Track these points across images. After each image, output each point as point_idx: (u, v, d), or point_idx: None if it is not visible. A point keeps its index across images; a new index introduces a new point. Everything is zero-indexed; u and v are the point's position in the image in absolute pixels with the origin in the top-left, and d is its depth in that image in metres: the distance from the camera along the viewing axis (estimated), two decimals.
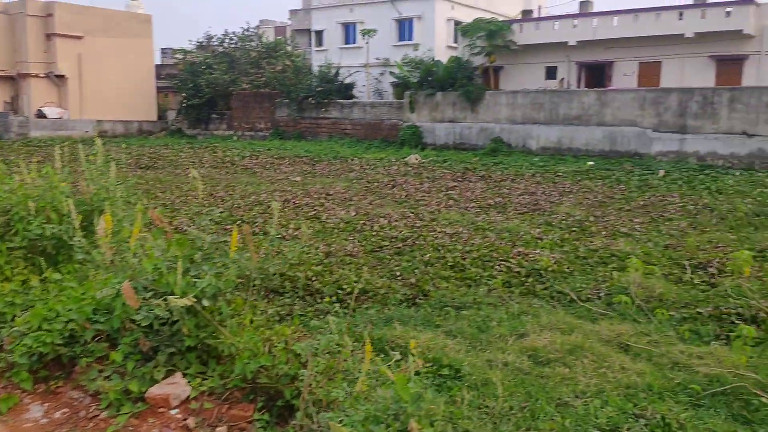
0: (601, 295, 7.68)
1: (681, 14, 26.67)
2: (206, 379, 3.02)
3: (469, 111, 27.71)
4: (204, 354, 3.17)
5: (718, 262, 8.90)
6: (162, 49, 52.78)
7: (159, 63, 47.90)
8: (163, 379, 2.96)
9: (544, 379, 5.23)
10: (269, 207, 13.31)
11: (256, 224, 11.56)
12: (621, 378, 5.26)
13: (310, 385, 2.83)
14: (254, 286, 3.60)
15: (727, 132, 21.38)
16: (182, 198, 14.76)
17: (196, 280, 3.08)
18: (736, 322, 6.46)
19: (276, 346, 3.10)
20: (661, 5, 27.92)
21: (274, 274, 3.50)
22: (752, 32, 25.24)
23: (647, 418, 4.59)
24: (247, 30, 39.10)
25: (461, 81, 28.09)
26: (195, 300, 2.90)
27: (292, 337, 3.39)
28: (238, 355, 3.01)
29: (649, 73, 28.14)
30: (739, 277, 7.79)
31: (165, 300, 2.85)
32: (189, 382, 3.02)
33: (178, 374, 3.01)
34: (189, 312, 3.01)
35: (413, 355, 2.78)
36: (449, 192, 16.48)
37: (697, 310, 6.99)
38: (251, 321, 4.08)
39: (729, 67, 26.43)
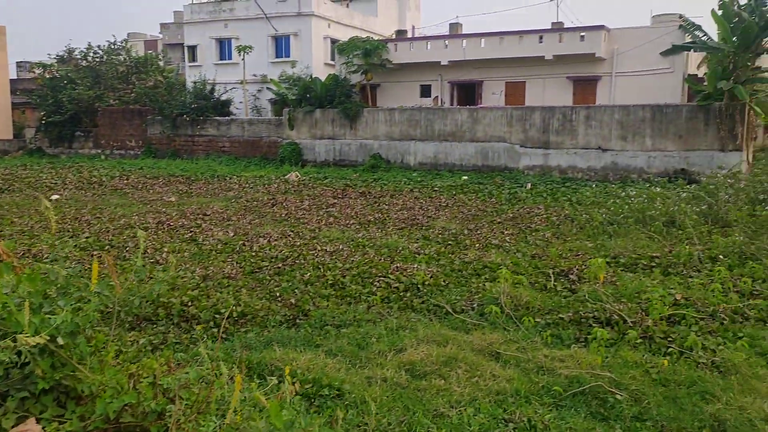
0: (474, 306, 8.01)
1: (541, 38, 28.65)
2: (64, 422, 2.83)
3: (348, 128, 28.04)
4: (62, 395, 2.97)
5: (577, 269, 9.59)
6: (17, 62, 48.92)
7: (14, 77, 44.34)
8: (14, 426, 2.74)
9: (420, 392, 5.38)
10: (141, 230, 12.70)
11: (126, 249, 10.99)
12: (492, 385, 5.53)
13: (179, 420, 2.74)
14: (120, 318, 3.43)
15: (584, 147, 23.15)
16: (42, 223, 13.71)
17: (50, 316, 2.89)
18: (593, 325, 6.99)
19: (142, 382, 2.97)
20: (524, 29, 29.84)
21: (140, 305, 3.34)
22: (603, 55, 27.61)
23: (515, 421, 4.86)
24: (114, 43, 37.19)
25: (339, 98, 28.40)
26: (48, 338, 2.72)
27: (160, 369, 3.26)
28: (99, 394, 2.86)
29: (515, 92, 29.98)
30: (595, 282, 8.46)
31: (14, 340, 2.65)
32: (44, 427, 2.82)
33: (32, 420, 2.80)
34: (43, 352, 2.81)
35: (288, 380, 2.77)
36: (329, 209, 16.55)
37: (560, 315, 7.48)
38: (118, 355, 3.87)
39: (585, 87, 28.74)
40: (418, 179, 23.32)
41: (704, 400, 5.27)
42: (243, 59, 32.08)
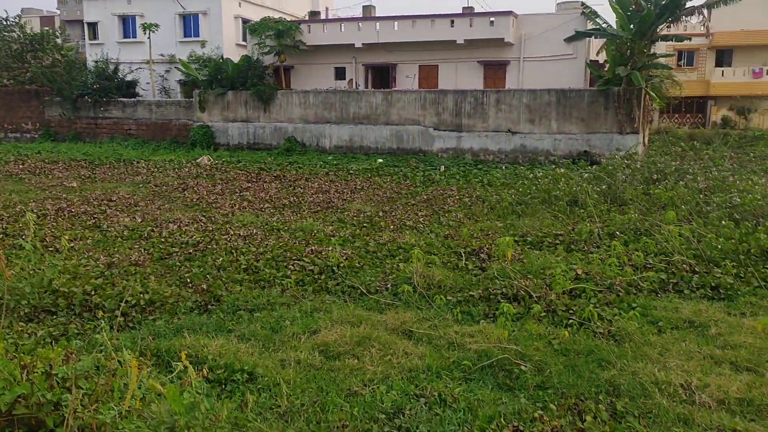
0: (388, 286, 8.12)
1: (452, 22, 29.08)
2: None
3: (262, 111, 27.51)
4: None
5: (487, 248, 9.90)
6: None
7: None
8: None
9: (334, 372, 5.42)
10: (37, 217, 12.01)
11: (22, 237, 10.36)
12: (404, 362, 5.65)
13: (75, 410, 2.64)
14: (14, 309, 3.24)
15: (495, 130, 23.83)
16: None
17: None
18: (501, 301, 7.26)
19: (35, 372, 2.84)
20: (436, 13, 30.18)
21: (32, 293, 3.17)
22: (512, 40, 28.39)
23: (427, 396, 4.99)
24: (6, 19, 34.61)
25: (252, 80, 27.78)
26: None
27: (57, 360, 3.12)
28: None
29: (429, 75, 30.36)
30: (503, 260, 8.77)
31: None
32: None
33: None
34: None
35: (187, 365, 2.72)
36: (243, 193, 16.24)
37: (470, 293, 7.72)
38: (16, 347, 3.67)
39: (495, 71, 29.49)
40: (334, 162, 23.26)
41: (601, 367, 5.60)
42: (149, 38, 30.69)
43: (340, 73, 31.94)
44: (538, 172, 17.82)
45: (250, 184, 17.90)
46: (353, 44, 30.40)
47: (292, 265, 9.00)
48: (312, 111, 26.70)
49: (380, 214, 13.44)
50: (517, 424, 4.53)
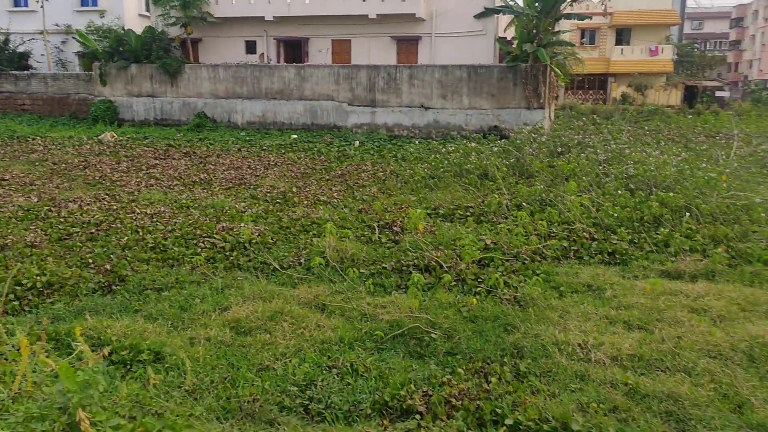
0: (301, 261, 8.09)
1: None
2: None
3: (169, 85, 26.41)
4: None
5: (400, 221, 10.03)
6: None
7: None
8: None
9: (246, 348, 5.37)
10: None
11: None
12: (317, 335, 5.67)
13: None
14: None
15: (408, 105, 24.00)
16: None
17: None
18: (413, 272, 7.39)
19: None
20: None
21: None
22: (423, 16, 28.56)
23: (339, 367, 5.05)
24: None
25: (157, 53, 26.56)
26: None
27: None
28: None
29: (342, 50, 30.10)
30: (415, 233, 8.93)
31: None
32: None
33: None
34: None
35: (82, 342, 2.61)
36: (150, 171, 15.62)
37: (383, 265, 7.82)
38: None
39: (407, 46, 29.62)
40: (247, 138, 22.75)
41: (506, 331, 5.84)
42: (42, 6, 28.67)
43: (250, 47, 31.10)
44: (451, 146, 18.14)
45: (157, 161, 17.23)
46: (263, 17, 29.63)
47: (203, 242, 8.78)
48: (223, 86, 25.90)
49: (294, 189, 13.31)
50: (426, 389, 4.66)
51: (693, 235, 8.88)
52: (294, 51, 31.20)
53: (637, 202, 10.16)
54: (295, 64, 27.49)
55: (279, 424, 4.22)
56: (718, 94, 46.00)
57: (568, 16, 24.01)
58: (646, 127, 22.53)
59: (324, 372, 4.97)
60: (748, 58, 75.07)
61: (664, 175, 11.68)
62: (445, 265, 7.60)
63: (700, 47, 69.06)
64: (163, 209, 11.00)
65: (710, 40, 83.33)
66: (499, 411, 4.33)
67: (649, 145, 17.10)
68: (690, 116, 31.33)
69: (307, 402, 4.54)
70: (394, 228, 9.78)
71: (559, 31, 23.85)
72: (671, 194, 10.27)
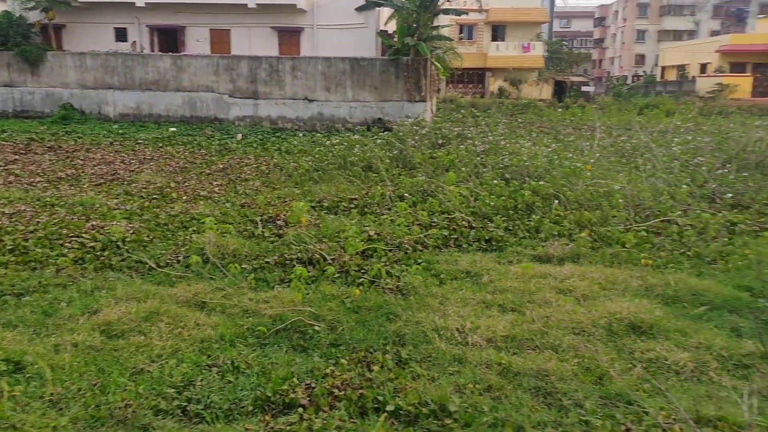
0: (180, 258, 7.77)
1: None
2: None
3: (29, 74, 24.44)
4: None
5: (284, 215, 9.90)
6: None
7: None
8: None
9: (118, 352, 5.09)
10: None
11: None
12: (196, 334, 5.48)
13: None
14: None
15: (292, 97, 23.74)
16: None
17: None
18: (297, 265, 7.33)
19: None
20: None
21: None
22: (304, 7, 28.32)
23: (219, 365, 4.91)
24: None
25: (15, 39, 24.48)
26: None
27: None
28: None
29: (221, 40, 29.20)
30: (299, 226, 8.86)
31: None
32: None
33: None
34: None
35: None
36: (9, 167, 14.38)
37: (266, 260, 7.69)
38: None
39: (289, 38, 29.26)
40: (120, 131, 21.53)
41: (389, 320, 5.94)
42: None
43: (121, 35, 29.40)
44: (335, 139, 18.14)
45: (17, 157, 15.89)
46: (134, 2, 28.11)
47: (70, 242, 8.20)
48: (91, 75, 24.32)
49: (172, 185, 12.77)
50: (309, 382, 4.64)
51: (561, 221, 9.45)
52: (169, 40, 29.86)
53: (512, 191, 10.67)
54: (171, 53, 26.31)
55: (154, 429, 4.04)
56: (584, 89, 49.34)
57: (446, 12, 24.74)
58: (520, 120, 23.73)
59: (203, 371, 4.81)
60: (610, 55, 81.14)
61: (535, 165, 12.35)
62: (328, 258, 7.60)
63: (568, 44, 73.63)
64: (23, 208, 10.16)
65: (577, 38, 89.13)
66: (380, 398, 4.40)
67: (523, 137, 18.01)
68: (559, 110, 33.32)
69: (185, 403, 4.38)
70: (278, 222, 9.65)
71: (438, 26, 24.51)
72: (542, 183, 10.87)
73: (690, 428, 3.86)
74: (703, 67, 51.12)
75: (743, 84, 45.07)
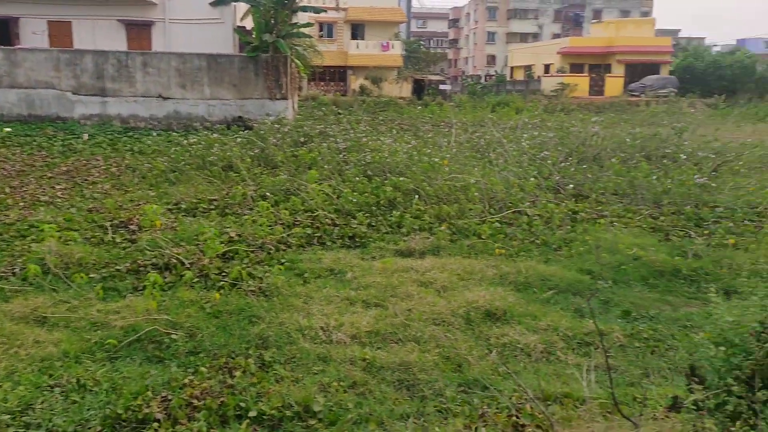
0: (16, 270, 7.08)
1: None
2: None
3: None
4: None
5: (137, 219, 9.33)
6: None
7: None
8: None
9: None
10: None
11: None
12: (35, 353, 5.01)
13: None
14: None
15: (144, 95, 22.42)
16: None
17: None
18: (151, 271, 6.93)
19: None
20: None
21: None
22: (155, 0, 26.88)
23: (63, 385, 4.52)
24: None
25: None
26: None
27: None
28: None
29: (61, 33, 26.94)
30: (153, 230, 8.39)
31: None
32: None
33: None
34: None
35: None
36: None
37: (117, 267, 7.20)
38: None
39: (139, 32, 27.65)
40: None
41: (251, 323, 5.79)
42: None
43: None
44: (193, 138, 17.40)
45: None
46: None
47: None
48: None
49: (7, 190, 11.60)
50: (166, 394, 4.39)
51: (421, 216, 9.74)
52: (1, 32, 27.08)
53: (374, 188, 10.82)
54: (3, 47, 23.86)
55: None
56: (441, 87, 51.33)
57: (304, 9, 24.58)
58: (382, 118, 24.18)
59: (44, 393, 4.40)
60: (464, 55, 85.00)
61: (396, 161, 12.62)
62: (186, 262, 7.26)
63: (425, 44, 76.13)
64: None
65: (433, 38, 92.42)
66: (243, 405, 4.26)
67: (384, 134, 18.38)
68: (419, 107, 34.36)
69: (23, 429, 3.98)
70: (130, 226, 9.08)
71: (297, 23, 24.30)
72: (402, 179, 11.14)
73: (538, 407, 4.11)
74: (547, 68, 55.06)
75: (582, 83, 49.16)
